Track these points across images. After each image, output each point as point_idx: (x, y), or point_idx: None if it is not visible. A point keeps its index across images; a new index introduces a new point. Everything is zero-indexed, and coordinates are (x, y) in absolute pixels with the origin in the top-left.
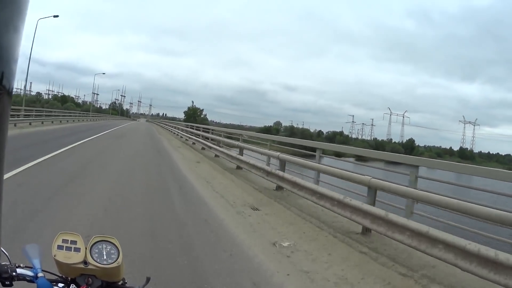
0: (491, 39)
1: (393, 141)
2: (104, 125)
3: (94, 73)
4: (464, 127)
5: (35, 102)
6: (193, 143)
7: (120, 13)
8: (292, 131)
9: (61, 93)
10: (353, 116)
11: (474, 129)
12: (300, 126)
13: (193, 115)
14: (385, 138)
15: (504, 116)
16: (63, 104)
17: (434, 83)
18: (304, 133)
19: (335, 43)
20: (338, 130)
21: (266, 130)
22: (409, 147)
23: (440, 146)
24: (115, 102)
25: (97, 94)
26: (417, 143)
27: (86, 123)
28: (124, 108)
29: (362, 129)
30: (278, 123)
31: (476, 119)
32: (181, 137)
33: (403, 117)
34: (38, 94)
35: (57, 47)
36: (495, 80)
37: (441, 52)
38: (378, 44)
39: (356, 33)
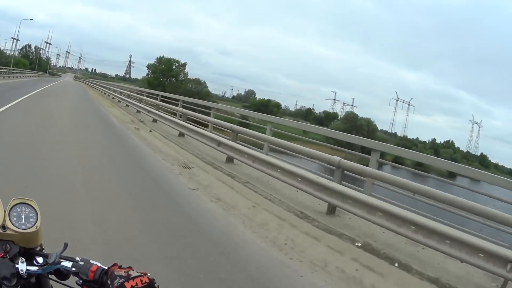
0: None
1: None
2: None
3: (25, 21)
4: (472, 128)
5: None
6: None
7: None
8: (353, 122)
9: None
10: (335, 92)
11: (479, 131)
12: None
13: (169, 74)
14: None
15: (439, 107)
16: None
17: (376, 65)
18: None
19: (283, 13)
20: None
21: (264, 106)
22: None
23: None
24: (29, 46)
25: (18, 40)
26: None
27: None
28: (44, 57)
29: (343, 109)
30: (251, 92)
31: (481, 120)
32: None
33: (409, 105)
34: None
35: None
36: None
37: (392, 37)
38: (328, 20)
39: (309, 5)
